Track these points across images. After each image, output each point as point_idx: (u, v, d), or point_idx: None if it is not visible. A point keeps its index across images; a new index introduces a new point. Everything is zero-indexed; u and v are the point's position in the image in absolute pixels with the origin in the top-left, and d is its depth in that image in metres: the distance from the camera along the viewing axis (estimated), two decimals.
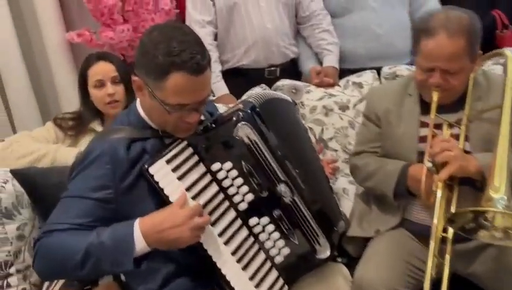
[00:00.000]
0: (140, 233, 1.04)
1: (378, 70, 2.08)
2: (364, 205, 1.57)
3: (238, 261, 1.19)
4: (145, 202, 1.11)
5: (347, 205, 1.65)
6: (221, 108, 1.94)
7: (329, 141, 1.99)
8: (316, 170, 1.42)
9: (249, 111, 1.19)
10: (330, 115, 1.98)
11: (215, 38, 2.17)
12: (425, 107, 1.39)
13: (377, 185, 1.45)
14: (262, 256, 1.24)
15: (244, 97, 2.03)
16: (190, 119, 1.10)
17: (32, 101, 2.16)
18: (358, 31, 2.16)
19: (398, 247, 1.38)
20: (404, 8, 2.21)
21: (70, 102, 2.14)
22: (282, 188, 1.23)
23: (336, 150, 1.98)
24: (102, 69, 1.67)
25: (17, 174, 1.42)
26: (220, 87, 2.11)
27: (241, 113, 1.18)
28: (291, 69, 2.27)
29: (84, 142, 1.69)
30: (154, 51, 1.03)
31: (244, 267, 1.19)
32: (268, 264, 1.24)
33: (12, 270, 1.31)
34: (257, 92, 1.31)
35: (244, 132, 1.18)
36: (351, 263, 1.43)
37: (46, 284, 1.35)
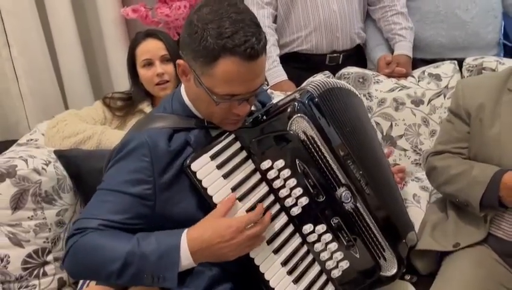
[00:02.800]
0: (188, 249, 0.92)
1: (459, 61, 1.84)
2: (440, 213, 1.36)
3: (289, 273, 1.05)
4: (186, 200, 0.99)
5: (417, 213, 1.44)
6: (278, 96, 1.80)
7: (399, 138, 1.78)
8: (384, 172, 1.23)
9: (306, 101, 1.03)
10: (401, 110, 1.78)
11: (274, 21, 2.00)
12: None
13: (459, 191, 1.24)
14: (316, 268, 1.08)
15: (303, 84, 1.87)
16: (239, 111, 0.97)
17: (85, 78, 2.11)
18: (439, 16, 1.90)
19: (482, 270, 1.16)
20: None
21: (122, 81, 2.06)
22: (342, 192, 1.06)
23: (405, 150, 1.78)
24: (151, 47, 1.58)
25: (61, 156, 1.34)
26: (277, 72, 1.94)
27: (296, 104, 1.02)
28: (355, 56, 2.07)
29: (132, 124, 1.59)
30: (202, 31, 0.90)
31: (296, 281, 1.05)
32: (323, 278, 1.09)
33: (49, 258, 1.23)
34: (318, 80, 1.14)
35: (300, 125, 1.02)
36: (420, 281, 1.25)
37: None
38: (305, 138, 1.02)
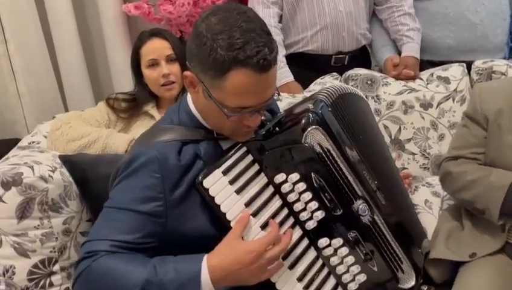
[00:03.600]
0: (209, 277, 0.88)
1: (467, 63, 1.82)
2: (454, 221, 1.34)
3: (306, 288, 1.02)
4: (198, 215, 0.96)
5: (430, 220, 1.43)
6: (286, 97, 1.77)
7: (407, 142, 1.76)
8: (395, 180, 1.22)
9: (321, 112, 0.99)
10: (410, 113, 1.75)
11: (280, 20, 1.96)
12: None
13: (476, 198, 1.22)
14: (332, 281, 1.06)
15: (311, 87, 1.84)
16: (251, 122, 0.94)
17: (84, 77, 2.05)
18: (448, 18, 1.88)
19: (501, 280, 1.15)
20: None
21: (123, 79, 2.02)
22: (359, 205, 1.03)
23: (413, 154, 1.76)
24: (156, 47, 1.53)
25: (66, 161, 1.29)
26: (284, 73, 1.90)
27: (311, 115, 0.98)
28: (361, 57, 2.04)
29: (137, 126, 1.57)
30: (212, 42, 0.86)
31: None
32: None
33: (56, 268, 1.19)
34: (329, 87, 1.10)
35: (315, 138, 0.99)
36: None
37: None
38: (321, 151, 0.99)
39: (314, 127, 0.98)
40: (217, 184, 0.95)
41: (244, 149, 0.99)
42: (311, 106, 1.01)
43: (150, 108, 1.58)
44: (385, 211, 1.08)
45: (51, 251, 1.18)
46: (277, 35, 1.91)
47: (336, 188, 1.01)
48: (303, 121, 0.98)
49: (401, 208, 1.16)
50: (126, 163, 0.95)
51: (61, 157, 1.30)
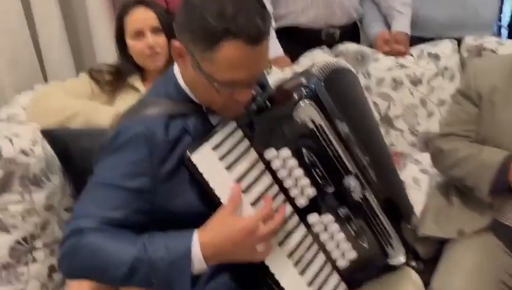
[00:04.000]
0: (201, 255, 0.86)
1: (458, 40, 1.80)
2: (442, 198, 1.35)
3: (295, 264, 1.01)
4: (187, 191, 0.93)
5: (418, 197, 1.44)
6: (275, 72, 1.73)
7: (396, 119, 1.76)
8: (386, 157, 1.21)
9: (314, 86, 0.96)
10: (399, 89, 1.74)
11: None
12: None
13: (467, 175, 1.22)
14: (322, 258, 1.05)
15: (301, 60, 1.81)
16: (241, 97, 0.90)
17: (65, 47, 1.95)
18: None
19: (488, 258, 1.16)
20: None
21: (105, 50, 1.94)
22: (351, 181, 1.01)
23: (402, 131, 1.75)
24: (141, 17, 1.46)
25: (48, 134, 1.24)
26: (273, 46, 1.85)
27: (303, 89, 0.95)
28: (352, 32, 2.01)
29: (121, 99, 1.52)
30: (202, 11, 0.81)
31: (302, 272, 1.01)
32: (328, 268, 1.06)
33: (38, 244, 1.15)
34: (321, 61, 1.06)
35: (308, 113, 0.95)
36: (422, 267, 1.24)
37: None
38: (313, 126, 0.96)
39: (307, 101, 0.94)
40: (206, 159, 0.92)
41: (234, 124, 0.95)
42: (304, 80, 0.97)
43: (135, 80, 1.53)
44: (376, 188, 1.06)
45: (33, 227, 1.14)
46: (267, 5, 1.86)
47: (327, 164, 0.99)
48: (295, 95, 0.94)
49: (392, 184, 1.15)
50: (112, 138, 0.91)
51: (42, 131, 1.25)
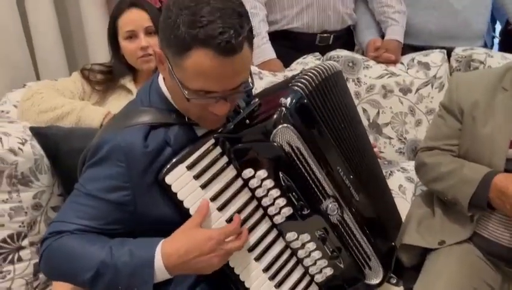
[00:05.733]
0: (163, 263, 0.87)
1: (447, 50, 1.82)
2: (426, 208, 1.37)
3: (272, 278, 1.02)
4: (167, 203, 0.93)
5: (403, 206, 1.45)
6: (266, 76, 1.74)
7: (385, 126, 1.77)
8: (373, 170, 1.22)
9: (294, 106, 0.96)
10: (389, 97, 1.76)
11: None
12: None
13: (448, 190, 1.24)
14: (300, 270, 1.07)
15: (293, 66, 1.82)
16: (216, 110, 0.88)
17: (58, 45, 1.95)
18: (432, 3, 1.87)
19: (467, 268, 1.18)
20: None
21: (99, 49, 1.94)
22: (329, 204, 1.03)
23: (390, 138, 1.77)
24: (135, 18, 1.46)
25: (37, 133, 1.24)
26: (266, 50, 1.87)
27: (283, 111, 0.95)
28: (346, 38, 2.02)
29: (113, 100, 1.52)
30: (176, 17, 0.81)
31: (279, 284, 1.03)
32: (307, 279, 1.08)
33: (25, 242, 1.16)
34: (309, 72, 1.06)
35: (285, 136, 0.96)
36: (404, 273, 1.26)
37: None
38: (290, 150, 0.96)
39: (284, 125, 0.94)
40: (180, 179, 0.92)
41: (211, 141, 0.95)
42: (283, 100, 0.96)
43: (127, 81, 1.53)
44: (359, 207, 1.07)
45: (19, 226, 1.15)
46: (261, 11, 1.87)
47: (304, 188, 0.99)
48: (274, 117, 0.94)
49: (377, 201, 1.15)
50: (92, 151, 0.92)
51: (32, 129, 1.25)
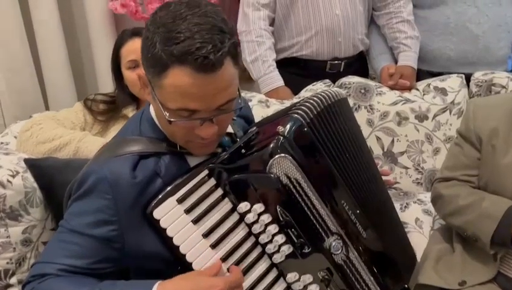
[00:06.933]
0: None
1: (467, 76, 1.73)
2: (445, 244, 1.26)
3: None
4: (157, 240, 0.86)
5: (420, 240, 1.34)
6: (274, 104, 1.69)
7: (400, 155, 1.68)
8: (383, 201, 1.12)
9: (292, 135, 0.89)
10: (404, 125, 1.67)
11: (272, 24, 1.88)
12: None
13: (468, 225, 1.13)
14: None
15: (302, 93, 1.76)
16: (203, 133, 0.83)
17: (68, 76, 1.96)
18: (449, 28, 1.79)
19: None
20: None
21: (108, 79, 1.92)
22: (332, 242, 0.93)
23: (406, 168, 1.67)
24: (137, 47, 1.41)
25: (32, 165, 1.21)
26: (273, 78, 1.82)
27: (281, 139, 0.88)
28: (358, 64, 1.95)
29: (114, 130, 1.49)
30: (154, 37, 0.77)
31: None
32: None
33: (13, 280, 1.11)
34: (312, 96, 1.00)
35: (283, 167, 0.88)
36: None
37: None
38: (288, 182, 0.88)
39: (281, 155, 0.87)
40: (170, 213, 0.85)
41: (205, 172, 0.89)
42: (281, 127, 0.89)
43: (130, 111, 1.50)
44: (366, 244, 0.98)
45: (7, 262, 1.10)
46: (268, 39, 1.83)
47: (304, 224, 0.91)
48: (270, 146, 0.87)
49: (387, 237, 1.06)
50: (77, 184, 0.87)
51: (26, 161, 1.21)
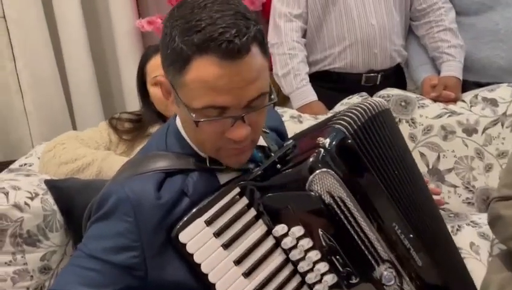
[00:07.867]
0: None
1: None
2: (507, 272, 1.11)
3: None
4: (184, 267, 0.78)
5: (477, 268, 1.20)
6: (307, 119, 1.59)
7: (447, 173, 1.54)
8: (437, 224, 0.98)
9: (334, 148, 0.79)
10: (451, 139, 1.54)
11: (304, 36, 1.80)
12: None
13: None
14: None
15: (337, 108, 1.66)
16: (234, 134, 0.74)
17: (95, 95, 1.96)
18: (498, 35, 1.67)
19: None
20: None
21: (136, 98, 1.89)
22: (383, 271, 0.82)
23: (455, 186, 1.53)
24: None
25: (53, 187, 1.14)
26: (306, 92, 1.73)
27: (322, 152, 0.78)
28: (395, 76, 1.85)
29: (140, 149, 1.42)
30: (172, 32, 0.70)
31: None
32: None
33: None
34: (354, 108, 0.90)
35: (324, 184, 0.78)
36: None
37: None
38: (331, 201, 0.78)
39: (323, 170, 0.77)
40: (198, 237, 0.76)
41: (236, 190, 0.80)
42: (322, 139, 0.80)
43: (155, 129, 1.44)
44: (421, 275, 0.86)
45: None
46: (300, 51, 1.75)
47: (350, 250, 0.80)
48: (309, 161, 0.78)
49: (445, 266, 0.93)
50: (97, 204, 0.79)
51: (47, 182, 1.15)
